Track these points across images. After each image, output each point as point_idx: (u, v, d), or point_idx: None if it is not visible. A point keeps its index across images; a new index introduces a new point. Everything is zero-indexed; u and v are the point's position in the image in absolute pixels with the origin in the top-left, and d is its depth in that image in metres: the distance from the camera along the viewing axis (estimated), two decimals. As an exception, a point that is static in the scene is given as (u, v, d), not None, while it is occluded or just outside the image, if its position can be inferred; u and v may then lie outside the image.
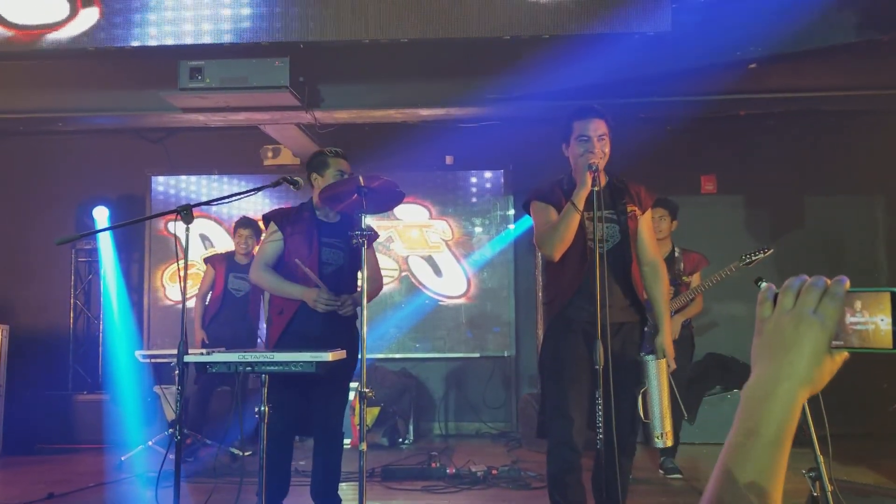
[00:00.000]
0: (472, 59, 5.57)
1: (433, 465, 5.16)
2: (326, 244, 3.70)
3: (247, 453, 5.42)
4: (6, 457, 6.06)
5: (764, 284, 1.00)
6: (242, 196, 3.60)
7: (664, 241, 5.06)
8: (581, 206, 3.16)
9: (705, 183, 7.25)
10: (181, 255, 3.30)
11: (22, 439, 6.25)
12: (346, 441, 5.03)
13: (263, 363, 3.13)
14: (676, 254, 5.12)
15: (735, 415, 0.94)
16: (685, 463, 5.30)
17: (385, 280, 7.27)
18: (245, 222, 6.03)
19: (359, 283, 3.66)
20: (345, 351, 3.41)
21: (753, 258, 4.86)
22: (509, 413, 7.23)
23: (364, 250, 3.33)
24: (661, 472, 5.15)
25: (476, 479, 4.96)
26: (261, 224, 4.50)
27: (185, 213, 3.24)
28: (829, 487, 2.99)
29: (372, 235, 3.69)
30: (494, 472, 5.04)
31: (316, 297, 3.54)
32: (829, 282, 0.94)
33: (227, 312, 6.04)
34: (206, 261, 6.30)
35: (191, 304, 5.95)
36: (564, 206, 3.23)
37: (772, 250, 4.95)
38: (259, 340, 6.08)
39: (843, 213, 7.18)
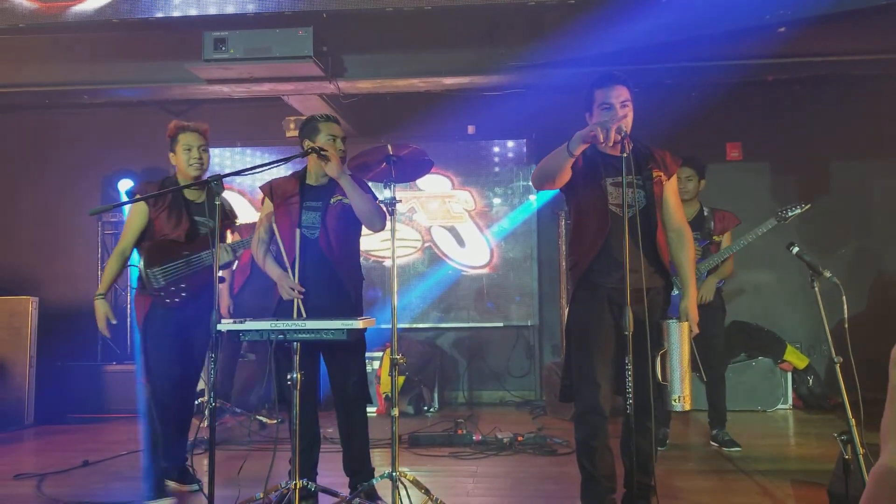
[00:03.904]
0: (495, 26, 5.52)
1: (459, 431, 5.21)
2: (310, 207, 3.66)
3: (276, 421, 5.50)
4: (39, 426, 6.19)
5: None
6: (272, 166, 3.61)
7: (692, 202, 4.96)
8: (575, 152, 3.09)
9: (731, 150, 7.17)
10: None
11: (54, 409, 6.38)
12: (371, 410, 5.02)
13: (295, 331, 3.17)
14: (706, 213, 4.98)
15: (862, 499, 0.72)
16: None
17: (408, 251, 7.38)
18: None
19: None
20: (373, 319, 3.44)
21: (790, 214, 4.61)
22: (533, 381, 7.26)
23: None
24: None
25: (502, 445, 5.01)
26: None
27: (216, 183, 3.26)
28: (860, 451, 3.01)
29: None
30: (520, 438, 5.07)
31: (283, 285, 3.57)
32: None
33: (259, 283, 6.02)
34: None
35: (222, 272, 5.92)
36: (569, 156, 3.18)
37: (809, 205, 4.68)
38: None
39: (870, 179, 7.09)
